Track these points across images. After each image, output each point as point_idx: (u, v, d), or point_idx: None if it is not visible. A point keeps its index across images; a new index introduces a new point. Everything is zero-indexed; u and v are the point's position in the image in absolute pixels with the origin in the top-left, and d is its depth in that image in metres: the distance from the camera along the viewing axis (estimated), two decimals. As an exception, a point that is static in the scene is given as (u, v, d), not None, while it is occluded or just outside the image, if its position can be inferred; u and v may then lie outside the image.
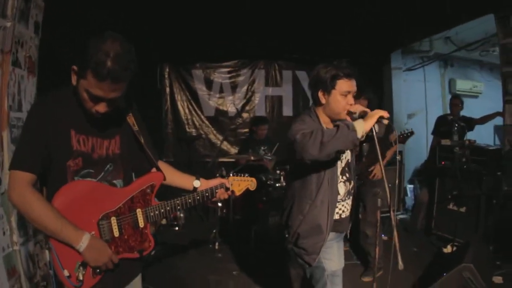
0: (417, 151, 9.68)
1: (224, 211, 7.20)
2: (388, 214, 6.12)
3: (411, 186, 9.52)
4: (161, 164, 2.71)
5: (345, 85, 2.97)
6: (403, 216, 8.33)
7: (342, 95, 2.97)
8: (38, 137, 2.14)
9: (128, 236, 2.36)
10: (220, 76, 9.36)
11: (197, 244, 6.67)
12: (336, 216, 3.15)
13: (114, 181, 2.40)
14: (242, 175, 2.93)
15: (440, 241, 6.72)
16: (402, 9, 6.47)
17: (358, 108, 2.92)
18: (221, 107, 9.37)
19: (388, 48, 9.46)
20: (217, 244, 6.53)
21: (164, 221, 7.55)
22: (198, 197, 2.61)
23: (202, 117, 9.32)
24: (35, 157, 2.14)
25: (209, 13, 6.61)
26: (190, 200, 2.57)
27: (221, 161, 8.21)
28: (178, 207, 2.53)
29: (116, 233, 2.31)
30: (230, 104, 9.28)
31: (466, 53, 9.80)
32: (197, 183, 2.69)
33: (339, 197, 3.14)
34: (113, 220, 2.31)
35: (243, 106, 9.49)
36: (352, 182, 3.28)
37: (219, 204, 7.19)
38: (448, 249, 6.21)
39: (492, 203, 6.21)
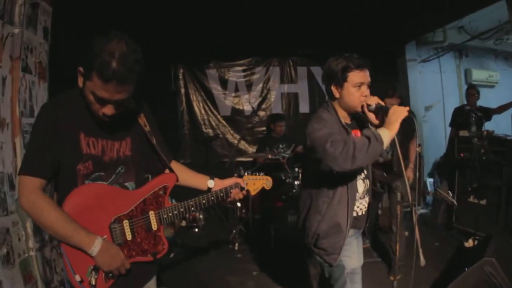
0: (436, 143, 9.58)
1: (244, 211, 7.19)
2: (405, 210, 6.05)
3: (431, 180, 9.40)
4: (175, 165, 2.68)
5: (357, 77, 2.87)
6: (424, 211, 8.21)
7: (355, 87, 2.88)
8: (45, 141, 2.13)
9: (141, 239, 2.33)
10: (235, 75, 9.34)
11: (216, 245, 6.64)
12: (354, 214, 3.07)
13: (126, 184, 2.37)
14: (257, 173, 2.87)
15: (461, 235, 6.61)
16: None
17: (375, 101, 2.85)
18: (237, 106, 9.34)
19: (402, 39, 9.35)
20: (236, 244, 6.50)
21: (183, 223, 7.56)
22: (212, 198, 2.57)
23: (219, 117, 9.30)
24: (44, 162, 2.12)
25: (221, 12, 6.58)
26: (204, 201, 2.54)
27: (238, 161, 8.20)
28: (192, 208, 2.50)
29: (129, 237, 2.28)
30: (246, 103, 9.21)
31: (480, 42, 9.65)
32: (211, 183, 2.66)
33: (357, 195, 3.06)
34: (126, 224, 2.28)
35: (259, 104, 9.44)
36: (369, 179, 3.22)
37: (238, 204, 7.19)
38: (469, 243, 6.10)
39: (513, 194, 6.10)
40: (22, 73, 3.80)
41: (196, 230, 7.53)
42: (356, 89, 2.89)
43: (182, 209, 2.45)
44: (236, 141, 9.04)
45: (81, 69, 2.04)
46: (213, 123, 9.25)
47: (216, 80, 9.25)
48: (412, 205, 2.82)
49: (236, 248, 6.45)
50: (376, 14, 7.00)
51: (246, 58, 9.38)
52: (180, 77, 9.18)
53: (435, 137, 9.72)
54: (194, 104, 9.20)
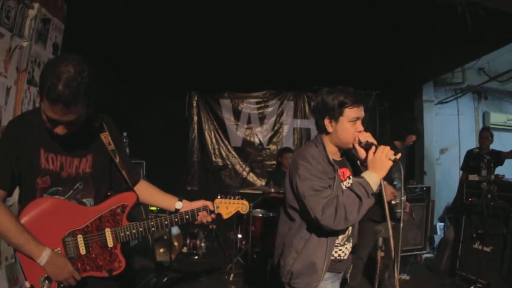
0: (449, 187, 9.35)
1: (243, 242, 7.11)
2: (411, 253, 5.89)
3: (442, 224, 9.21)
4: (143, 184, 2.73)
5: (354, 112, 2.80)
6: (429, 255, 8.01)
7: (351, 121, 2.81)
8: (8, 155, 2.22)
9: (96, 255, 2.36)
10: (248, 106, 9.39)
11: (211, 274, 6.59)
12: (332, 257, 2.94)
13: (84, 200, 2.41)
14: (232, 197, 2.79)
15: (464, 281, 6.38)
16: (429, 40, 6.34)
17: (366, 137, 2.78)
18: (248, 138, 9.35)
19: (420, 79, 9.27)
20: (232, 275, 6.42)
21: (184, 249, 7.55)
22: (176, 219, 2.56)
23: (229, 147, 9.33)
24: (5, 173, 2.21)
25: (239, 43, 6.68)
26: (166, 222, 2.53)
27: (245, 192, 8.15)
28: (153, 229, 2.50)
29: (83, 251, 2.32)
30: (258, 135, 9.20)
31: (500, 85, 9.51)
32: (179, 205, 2.65)
33: (336, 241, 2.94)
34: (80, 238, 2.32)
35: (271, 138, 9.45)
36: (352, 226, 3.09)
37: (239, 236, 7.12)
38: (470, 291, 5.92)
39: (519, 242, 5.91)
40: (27, 85, 3.94)
41: (196, 257, 7.53)
42: (351, 124, 2.81)
43: (141, 229, 2.45)
44: (245, 173, 9.02)
45: (38, 89, 2.11)
46: (223, 153, 9.28)
47: (230, 110, 9.32)
48: (394, 253, 2.73)
49: (231, 279, 6.37)
50: (394, 53, 6.98)
51: (260, 91, 9.41)
52: (194, 104, 9.28)
53: (448, 181, 9.53)
54: (206, 132, 9.27)
